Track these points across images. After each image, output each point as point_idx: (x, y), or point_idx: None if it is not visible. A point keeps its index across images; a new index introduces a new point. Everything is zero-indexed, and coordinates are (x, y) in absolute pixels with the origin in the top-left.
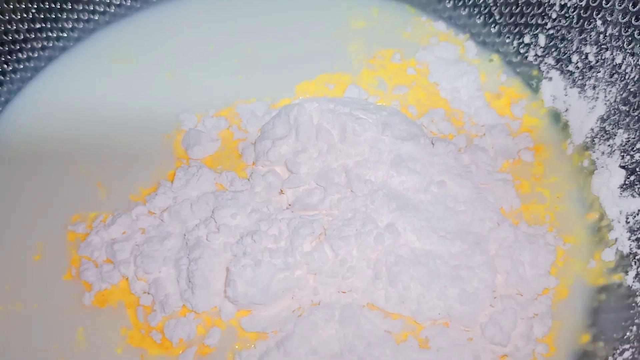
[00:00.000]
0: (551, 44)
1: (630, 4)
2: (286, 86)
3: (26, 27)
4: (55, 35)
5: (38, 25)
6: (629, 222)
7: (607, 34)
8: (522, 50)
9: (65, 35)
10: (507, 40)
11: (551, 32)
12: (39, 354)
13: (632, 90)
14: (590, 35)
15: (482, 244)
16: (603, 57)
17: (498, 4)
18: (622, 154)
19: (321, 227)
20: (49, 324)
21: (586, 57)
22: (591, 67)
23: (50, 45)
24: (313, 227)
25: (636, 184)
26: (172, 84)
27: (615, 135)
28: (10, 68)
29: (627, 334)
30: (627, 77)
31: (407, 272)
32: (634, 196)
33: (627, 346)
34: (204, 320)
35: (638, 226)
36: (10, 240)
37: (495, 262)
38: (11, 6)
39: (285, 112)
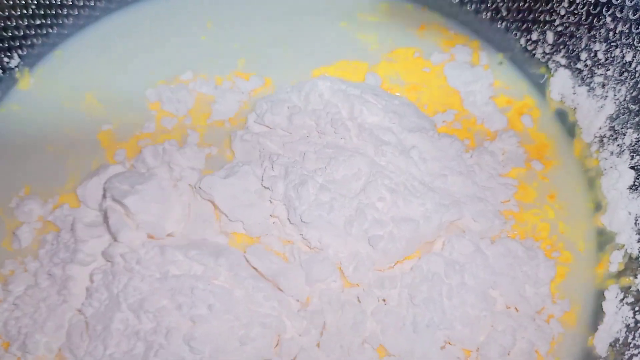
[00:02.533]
0: (559, 41)
1: None
2: (303, 72)
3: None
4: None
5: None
6: (638, 225)
7: (617, 31)
8: (529, 48)
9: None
10: (515, 38)
11: (559, 29)
12: None
13: None
14: (600, 33)
15: (479, 259)
16: (612, 55)
17: (505, 0)
18: (632, 154)
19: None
20: None
21: (595, 55)
22: (600, 65)
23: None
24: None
25: None
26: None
27: (625, 135)
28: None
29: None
30: (637, 75)
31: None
32: None
33: (635, 351)
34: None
35: None
36: None
37: (495, 280)
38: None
39: (297, 88)
